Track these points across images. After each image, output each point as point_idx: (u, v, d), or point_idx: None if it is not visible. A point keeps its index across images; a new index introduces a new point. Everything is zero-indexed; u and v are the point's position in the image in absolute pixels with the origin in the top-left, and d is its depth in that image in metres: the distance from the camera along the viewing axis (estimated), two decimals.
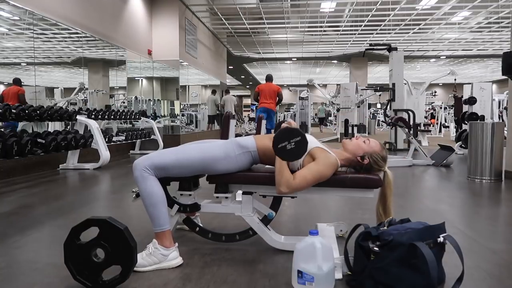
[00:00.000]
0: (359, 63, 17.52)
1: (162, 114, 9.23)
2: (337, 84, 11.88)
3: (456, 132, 8.21)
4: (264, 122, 5.58)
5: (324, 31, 12.72)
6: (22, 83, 5.03)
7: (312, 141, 1.76)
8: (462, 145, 6.67)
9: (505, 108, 10.48)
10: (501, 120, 10.84)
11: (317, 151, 1.73)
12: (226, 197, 1.86)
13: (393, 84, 7.88)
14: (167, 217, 1.72)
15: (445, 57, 17.57)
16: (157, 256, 1.65)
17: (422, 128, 8.96)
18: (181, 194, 1.87)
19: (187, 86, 10.42)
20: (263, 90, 7.34)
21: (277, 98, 7.37)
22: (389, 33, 12.84)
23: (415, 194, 3.58)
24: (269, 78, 7.54)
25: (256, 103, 7.73)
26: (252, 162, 1.84)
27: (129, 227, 1.47)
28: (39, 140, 4.14)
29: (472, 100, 6.85)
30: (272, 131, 7.11)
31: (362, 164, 1.77)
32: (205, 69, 11.64)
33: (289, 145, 1.59)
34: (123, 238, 1.42)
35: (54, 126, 5.48)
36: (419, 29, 12.21)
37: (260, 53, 16.57)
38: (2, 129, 4.23)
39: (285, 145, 1.60)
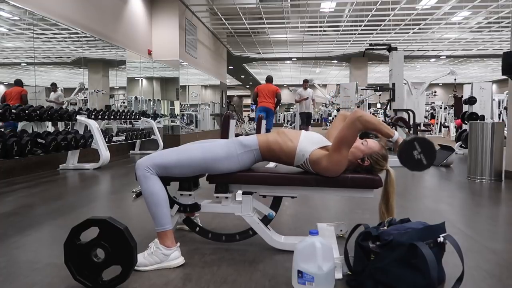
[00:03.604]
0: (359, 63, 17.50)
1: (163, 113, 9.22)
2: (337, 84, 11.87)
3: (456, 132, 8.21)
4: (264, 122, 5.57)
5: (324, 31, 12.71)
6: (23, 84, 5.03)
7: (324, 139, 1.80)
8: (462, 145, 6.67)
9: (505, 108, 10.48)
10: (501, 120, 10.84)
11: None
12: (226, 197, 1.86)
13: (393, 84, 7.86)
14: (169, 216, 1.72)
15: (445, 57, 17.56)
16: (159, 256, 1.65)
17: (422, 128, 8.95)
18: (181, 194, 1.87)
19: (187, 86, 10.42)
20: (262, 90, 7.36)
21: (276, 99, 7.37)
22: (389, 33, 12.83)
23: (415, 194, 3.57)
24: (269, 80, 7.54)
25: (254, 103, 7.74)
26: (254, 161, 1.83)
27: (129, 227, 1.47)
28: (39, 140, 4.14)
29: (472, 100, 6.86)
30: (271, 130, 7.12)
31: (363, 166, 1.76)
32: (205, 69, 11.63)
33: (418, 155, 1.60)
34: (123, 238, 1.42)
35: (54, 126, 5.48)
36: (419, 29, 12.20)
37: (260, 53, 16.56)
38: (2, 129, 4.23)
39: (414, 153, 1.60)
